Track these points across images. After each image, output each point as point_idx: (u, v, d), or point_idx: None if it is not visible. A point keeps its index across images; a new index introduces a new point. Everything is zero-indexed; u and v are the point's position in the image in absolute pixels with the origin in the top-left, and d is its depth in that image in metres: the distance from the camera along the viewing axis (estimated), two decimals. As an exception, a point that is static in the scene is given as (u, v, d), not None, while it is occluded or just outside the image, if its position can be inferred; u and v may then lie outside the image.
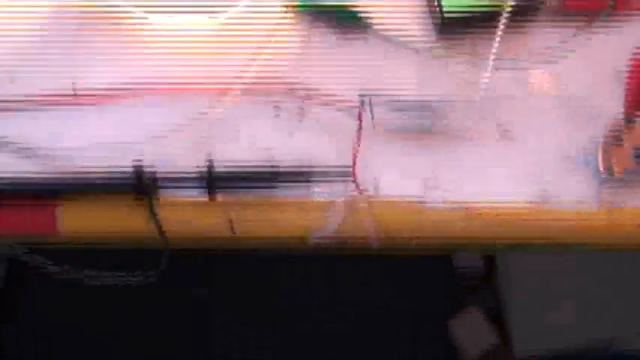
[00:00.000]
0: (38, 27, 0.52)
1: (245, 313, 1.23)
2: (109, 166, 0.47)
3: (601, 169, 0.48)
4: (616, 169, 0.49)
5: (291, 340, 1.23)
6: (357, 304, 1.28)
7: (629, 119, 0.46)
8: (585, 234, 0.49)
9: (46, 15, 0.53)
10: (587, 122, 0.51)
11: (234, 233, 0.49)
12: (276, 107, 0.51)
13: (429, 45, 0.53)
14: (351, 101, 0.49)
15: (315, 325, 1.24)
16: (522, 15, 0.52)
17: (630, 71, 0.43)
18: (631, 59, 0.45)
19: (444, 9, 0.51)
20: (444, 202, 0.49)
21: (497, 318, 1.29)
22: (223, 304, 1.23)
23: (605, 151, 0.49)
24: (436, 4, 0.51)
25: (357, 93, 0.49)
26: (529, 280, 1.23)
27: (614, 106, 0.48)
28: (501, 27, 0.50)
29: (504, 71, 0.51)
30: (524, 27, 0.53)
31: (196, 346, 1.21)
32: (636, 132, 0.49)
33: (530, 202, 0.49)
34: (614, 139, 0.49)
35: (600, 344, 1.16)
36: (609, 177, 0.48)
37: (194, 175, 0.48)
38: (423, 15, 0.54)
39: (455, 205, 0.49)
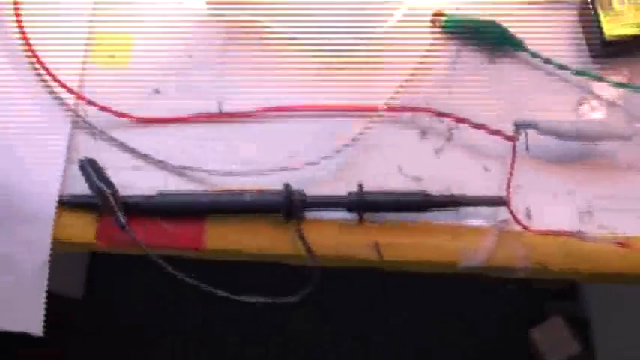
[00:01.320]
0: (185, 42, 0.51)
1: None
2: (261, 188, 0.46)
3: None
4: None
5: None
6: (441, 312, 1.26)
7: None
8: None
9: (192, 30, 0.51)
10: None
11: (381, 257, 0.47)
12: (424, 132, 0.49)
13: (585, 68, 0.49)
14: (503, 126, 0.47)
15: (396, 336, 1.22)
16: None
17: None
18: None
19: (605, 31, 0.48)
20: (600, 235, 0.46)
21: (581, 327, 1.25)
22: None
23: None
24: (596, 25, 0.48)
25: (511, 118, 0.47)
26: (616, 290, 1.18)
27: None
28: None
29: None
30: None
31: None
32: None
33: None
34: None
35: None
36: None
37: (345, 198, 0.46)
38: (577, 36, 0.50)
39: (611, 238, 0.46)
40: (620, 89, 0.49)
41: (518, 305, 1.30)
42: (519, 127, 0.47)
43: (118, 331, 1.20)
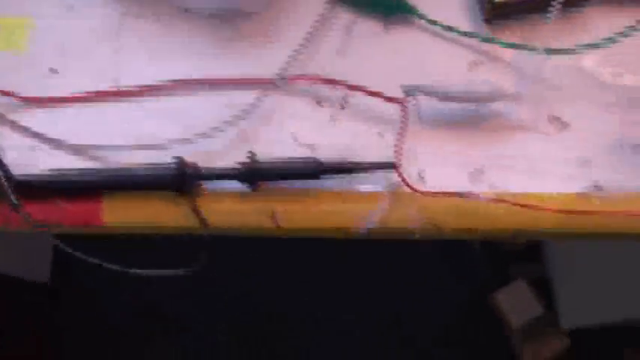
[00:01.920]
0: (80, 20, 0.51)
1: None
2: (152, 163, 0.46)
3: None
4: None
5: (341, 314, 1.23)
6: (401, 277, 1.26)
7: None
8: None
9: (87, 8, 0.51)
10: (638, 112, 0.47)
11: (277, 225, 0.47)
12: (319, 101, 0.49)
13: (477, 31, 0.49)
14: (395, 91, 0.47)
15: (357, 297, 1.23)
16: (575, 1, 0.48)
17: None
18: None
19: (494, -7, 0.48)
20: (490, 194, 0.46)
21: (543, 289, 1.26)
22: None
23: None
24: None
25: (402, 83, 0.47)
26: (578, 251, 1.19)
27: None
28: (554, 12, 0.46)
29: (556, 58, 0.48)
30: (577, 13, 0.49)
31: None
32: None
33: (583, 193, 0.46)
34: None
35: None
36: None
37: (236, 169, 0.46)
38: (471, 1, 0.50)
39: (502, 197, 0.46)
40: (511, 50, 0.49)
41: (482, 269, 1.31)
42: (408, 91, 0.47)
43: (90, 317, 1.21)
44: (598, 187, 0.46)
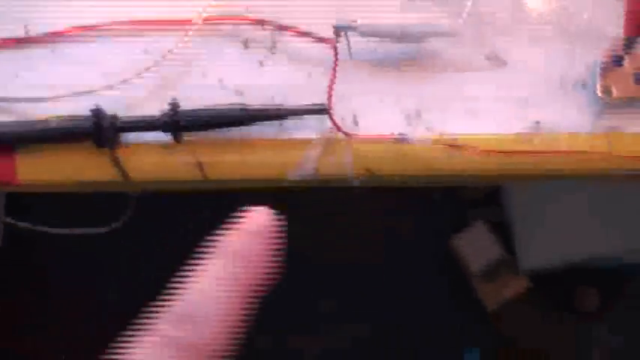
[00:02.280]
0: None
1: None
2: (68, 114, 0.43)
3: (599, 93, 0.43)
4: (615, 93, 0.43)
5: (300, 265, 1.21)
6: (357, 226, 1.25)
7: (628, 43, 0.41)
8: (582, 163, 0.44)
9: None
10: (584, 45, 0.45)
11: (204, 176, 0.44)
12: (246, 43, 0.46)
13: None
14: (327, 31, 0.44)
15: (316, 253, 1.22)
16: None
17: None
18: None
19: None
20: (428, 137, 0.44)
21: (503, 233, 1.26)
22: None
23: (604, 75, 0.43)
24: None
25: (334, 22, 0.44)
26: (536, 194, 1.19)
27: (614, 28, 0.42)
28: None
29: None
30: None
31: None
32: (637, 55, 0.43)
33: (523, 133, 0.44)
34: (614, 62, 0.43)
35: (607, 258, 1.13)
36: (608, 101, 0.43)
37: (158, 119, 0.43)
38: None
39: (440, 140, 0.44)
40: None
41: (442, 214, 1.30)
42: (339, 29, 0.44)
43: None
44: (538, 127, 0.44)
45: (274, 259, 0.24)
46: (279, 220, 0.24)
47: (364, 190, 0.46)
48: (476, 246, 1.27)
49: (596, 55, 0.44)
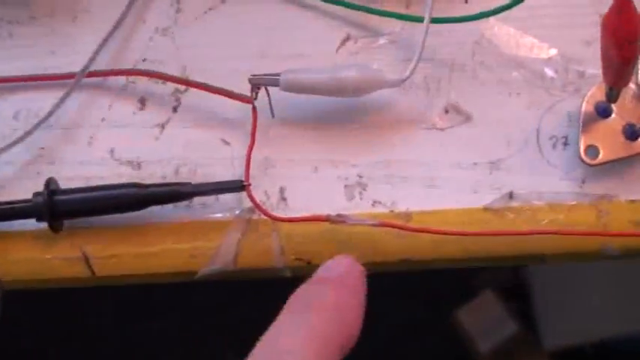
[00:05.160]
0: None
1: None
2: None
3: (582, 154, 0.44)
4: (602, 153, 0.44)
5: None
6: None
7: (612, 93, 0.42)
8: (568, 242, 0.45)
9: None
10: (564, 92, 0.47)
11: (92, 273, 0.45)
12: (142, 101, 0.47)
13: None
14: (243, 83, 0.45)
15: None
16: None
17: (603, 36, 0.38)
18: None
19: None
20: (373, 215, 0.45)
21: (517, 301, 1.26)
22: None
23: (587, 131, 0.44)
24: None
25: (257, 71, 0.45)
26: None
27: (597, 70, 0.44)
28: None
29: (450, 30, 0.47)
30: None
31: None
32: (626, 105, 0.44)
33: (492, 206, 0.45)
34: (600, 114, 0.45)
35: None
36: (594, 164, 0.44)
37: (31, 204, 0.44)
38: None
39: (388, 218, 0.45)
40: (395, 22, 0.48)
41: (443, 282, 1.31)
42: (256, 84, 0.45)
43: None
44: (511, 198, 0.45)
45: (359, 313, 0.26)
46: (363, 269, 0.26)
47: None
48: (485, 320, 1.28)
49: (576, 107, 0.45)
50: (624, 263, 1.08)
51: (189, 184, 0.44)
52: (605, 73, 0.41)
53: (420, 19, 0.46)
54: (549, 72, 0.47)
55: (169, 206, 0.45)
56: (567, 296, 1.21)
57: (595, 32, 0.37)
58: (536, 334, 1.25)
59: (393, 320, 1.26)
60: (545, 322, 1.25)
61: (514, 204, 0.45)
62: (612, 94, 0.43)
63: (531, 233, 0.44)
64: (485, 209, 0.45)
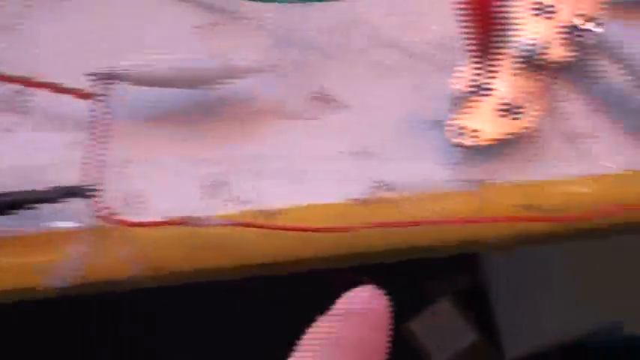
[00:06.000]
0: None
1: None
2: None
3: (457, 137, 0.44)
4: (479, 134, 0.44)
5: None
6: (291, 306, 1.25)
7: (483, 71, 0.42)
8: (450, 232, 0.45)
9: None
10: (440, 73, 0.46)
11: None
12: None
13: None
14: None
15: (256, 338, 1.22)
16: None
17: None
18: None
19: None
20: (234, 214, 0.44)
21: (476, 307, 1.26)
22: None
23: (460, 112, 0.44)
24: None
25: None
26: (525, 254, 1.20)
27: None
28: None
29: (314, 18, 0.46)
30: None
31: None
32: (502, 84, 0.44)
33: (365, 198, 0.45)
34: (473, 93, 0.45)
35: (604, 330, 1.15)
36: (471, 146, 0.44)
37: None
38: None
39: (251, 217, 0.44)
40: (258, 4, 0.47)
41: (392, 289, 1.30)
42: (99, 79, 0.45)
43: None
44: (385, 188, 0.45)
45: (384, 349, 0.25)
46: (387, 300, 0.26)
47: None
48: (440, 331, 1.28)
49: (449, 90, 0.45)
50: (580, 258, 1.08)
51: (24, 190, 0.44)
52: (470, 48, 0.40)
53: (284, 1, 0.45)
54: (425, 52, 0.46)
55: (6, 215, 0.44)
56: (528, 299, 1.21)
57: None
58: (497, 342, 1.25)
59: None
60: (506, 329, 1.25)
61: (389, 194, 0.44)
62: (483, 67, 0.43)
63: (408, 225, 0.44)
64: (359, 201, 0.44)
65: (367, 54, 0.46)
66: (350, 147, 0.45)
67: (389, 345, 0.26)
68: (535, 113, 0.43)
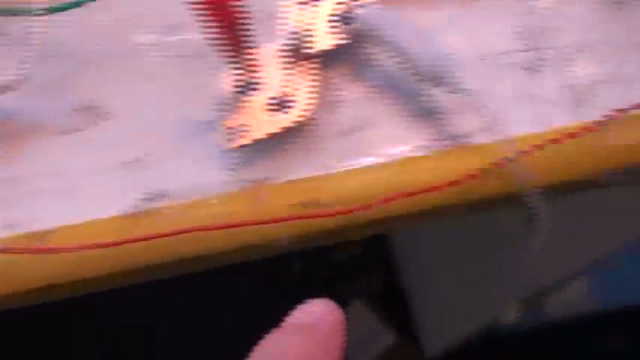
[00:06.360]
0: None
1: None
2: None
3: (226, 137, 0.43)
4: (248, 134, 0.44)
5: None
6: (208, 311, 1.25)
7: (239, 66, 0.42)
8: (231, 237, 0.44)
9: None
10: (204, 78, 0.46)
11: None
12: None
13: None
14: None
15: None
16: None
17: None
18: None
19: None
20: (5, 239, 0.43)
21: (395, 306, 1.26)
22: None
23: (229, 112, 0.44)
24: None
25: None
26: (429, 242, 1.20)
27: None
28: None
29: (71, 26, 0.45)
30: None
31: None
32: (268, 78, 0.44)
33: (141, 210, 0.44)
34: (241, 92, 0.44)
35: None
36: (243, 147, 0.44)
37: None
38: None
39: (18, 241, 0.43)
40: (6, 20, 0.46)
41: (301, 293, 1.29)
42: None
43: None
44: (161, 195, 0.44)
45: None
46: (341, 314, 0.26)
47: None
48: (355, 333, 1.27)
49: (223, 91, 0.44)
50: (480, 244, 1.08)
51: None
52: (222, 47, 0.40)
53: (28, 12, 0.45)
54: (197, 52, 0.46)
55: None
56: (442, 294, 1.21)
57: None
58: (417, 341, 1.25)
59: (246, 335, 1.24)
60: (423, 327, 1.25)
61: (165, 203, 0.44)
62: (240, 64, 0.42)
63: (180, 233, 0.43)
64: (133, 214, 0.44)
65: (133, 59, 0.45)
66: (121, 158, 0.44)
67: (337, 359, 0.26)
68: (307, 105, 0.43)
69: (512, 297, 1.03)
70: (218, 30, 0.39)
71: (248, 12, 0.37)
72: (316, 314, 0.27)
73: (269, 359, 0.26)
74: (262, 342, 0.26)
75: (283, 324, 0.27)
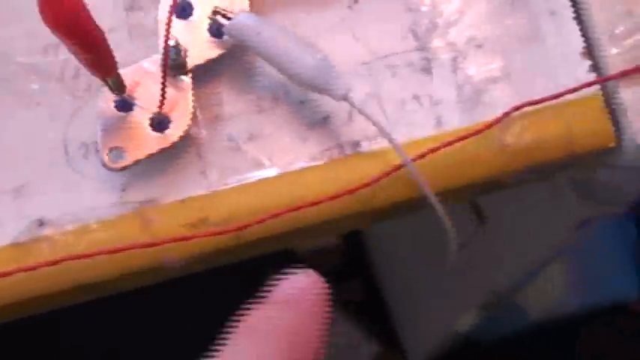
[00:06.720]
0: None
1: None
2: None
3: (105, 160, 0.43)
4: (129, 155, 0.43)
5: None
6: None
7: (112, 84, 0.41)
8: (117, 259, 0.44)
9: None
10: (85, 95, 0.45)
11: None
12: None
13: None
14: None
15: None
16: None
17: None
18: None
19: None
20: None
21: (378, 316, 1.25)
22: None
23: (108, 132, 0.43)
24: None
25: None
26: (409, 264, 1.19)
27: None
28: None
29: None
30: None
31: None
32: (146, 95, 0.43)
33: (15, 242, 0.44)
34: (121, 109, 0.44)
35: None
36: (119, 167, 0.43)
37: None
38: None
39: None
40: None
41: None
42: None
43: None
44: (41, 224, 0.44)
45: (317, 337, 0.26)
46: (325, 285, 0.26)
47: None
48: (337, 345, 1.27)
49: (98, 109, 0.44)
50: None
51: None
52: (83, 63, 0.39)
53: None
54: (78, 72, 0.45)
55: None
56: (421, 301, 1.20)
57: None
58: (400, 350, 1.25)
59: None
60: (405, 335, 1.24)
61: (46, 232, 0.43)
62: (113, 84, 0.42)
63: (63, 260, 0.43)
64: (12, 245, 0.43)
65: (9, 84, 0.45)
66: (3, 186, 0.44)
67: (325, 332, 0.26)
68: (183, 124, 0.42)
69: (473, 304, 1.03)
70: (79, 50, 0.38)
71: (102, 31, 0.37)
72: (300, 286, 0.26)
73: (256, 335, 0.26)
74: (247, 317, 0.26)
75: (267, 297, 0.27)
